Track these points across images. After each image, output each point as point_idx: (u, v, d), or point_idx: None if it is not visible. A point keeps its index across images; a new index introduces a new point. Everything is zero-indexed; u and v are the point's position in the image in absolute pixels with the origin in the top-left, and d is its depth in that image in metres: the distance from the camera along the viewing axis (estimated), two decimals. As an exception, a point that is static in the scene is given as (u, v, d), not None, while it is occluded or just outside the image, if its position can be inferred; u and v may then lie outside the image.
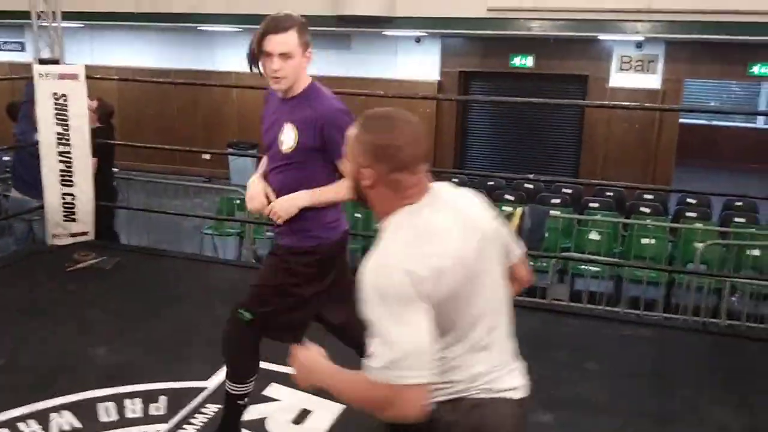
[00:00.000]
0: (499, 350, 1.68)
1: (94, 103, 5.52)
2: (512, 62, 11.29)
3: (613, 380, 3.57)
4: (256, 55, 2.45)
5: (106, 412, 3.07)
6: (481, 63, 11.58)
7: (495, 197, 8.55)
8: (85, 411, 2.95)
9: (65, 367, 3.44)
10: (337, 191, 2.48)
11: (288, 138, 2.48)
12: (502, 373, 1.67)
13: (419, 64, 11.74)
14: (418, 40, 11.57)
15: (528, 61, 11.21)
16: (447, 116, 11.91)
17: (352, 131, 1.63)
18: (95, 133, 5.46)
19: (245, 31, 11.06)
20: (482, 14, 9.63)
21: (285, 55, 2.40)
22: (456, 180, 9.59)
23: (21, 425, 2.94)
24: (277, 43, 2.39)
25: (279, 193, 2.54)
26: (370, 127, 1.60)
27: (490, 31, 10.13)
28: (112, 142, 5.81)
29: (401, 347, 1.47)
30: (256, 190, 2.59)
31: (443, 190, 1.69)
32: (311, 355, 1.70)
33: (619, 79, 10.76)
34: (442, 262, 1.53)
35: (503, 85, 11.77)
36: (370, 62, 11.89)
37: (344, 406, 3.20)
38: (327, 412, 3.16)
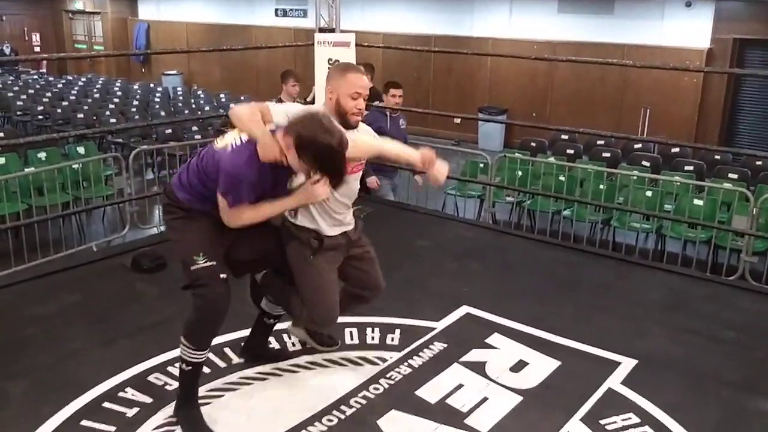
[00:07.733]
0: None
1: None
2: (799, 29, 10.04)
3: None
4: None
5: (350, 336, 3.59)
6: (761, 29, 10.44)
7: (763, 179, 7.81)
8: (334, 332, 3.47)
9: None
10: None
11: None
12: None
13: (688, 30, 10.95)
14: (689, 3, 10.81)
15: (820, 27, 9.89)
16: (716, 89, 10.98)
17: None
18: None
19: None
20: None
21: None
22: (718, 157, 8.91)
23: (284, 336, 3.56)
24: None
25: None
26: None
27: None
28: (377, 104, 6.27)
29: None
30: None
31: None
32: None
33: None
34: None
35: (786, 54, 10.53)
36: (634, 27, 11.35)
37: (560, 362, 3.37)
38: (544, 365, 3.35)
